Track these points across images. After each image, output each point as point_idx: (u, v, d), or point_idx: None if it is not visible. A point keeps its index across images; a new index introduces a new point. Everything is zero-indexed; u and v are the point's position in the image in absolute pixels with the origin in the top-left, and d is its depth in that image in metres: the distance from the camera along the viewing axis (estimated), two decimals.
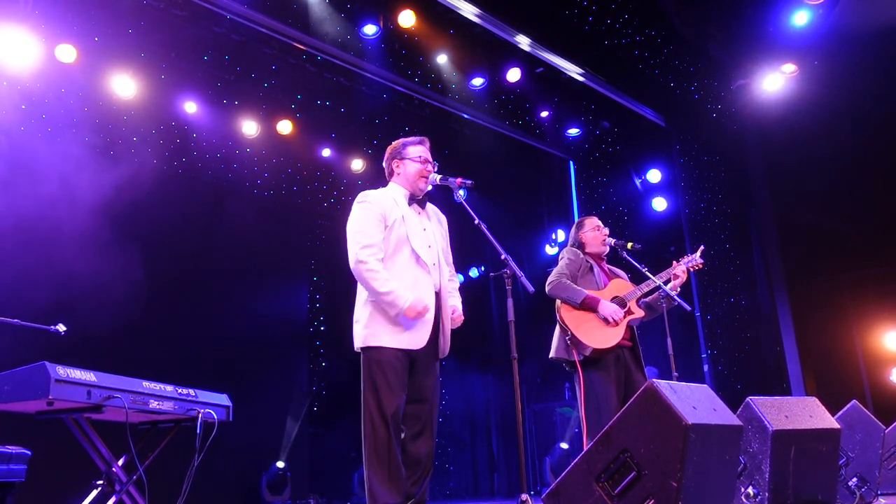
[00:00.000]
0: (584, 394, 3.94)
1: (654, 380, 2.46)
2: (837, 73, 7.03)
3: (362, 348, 3.28)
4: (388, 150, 3.59)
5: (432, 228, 3.49)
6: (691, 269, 4.24)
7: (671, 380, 3.14)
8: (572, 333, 3.98)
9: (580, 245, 4.34)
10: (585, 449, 3.65)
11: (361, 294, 3.34)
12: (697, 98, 8.02)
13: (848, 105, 6.98)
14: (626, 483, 2.37)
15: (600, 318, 3.98)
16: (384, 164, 3.61)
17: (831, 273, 7.41)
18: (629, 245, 4.43)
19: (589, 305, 3.99)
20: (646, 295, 4.18)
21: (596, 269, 4.23)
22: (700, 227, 7.94)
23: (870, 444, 4.09)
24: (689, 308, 4.27)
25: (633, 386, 3.93)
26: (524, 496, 2.92)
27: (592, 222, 4.38)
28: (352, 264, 3.28)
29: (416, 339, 3.24)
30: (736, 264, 7.66)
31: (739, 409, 3.17)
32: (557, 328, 4.14)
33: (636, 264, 4.40)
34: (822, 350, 7.32)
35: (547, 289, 4.11)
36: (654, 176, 8.78)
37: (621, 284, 4.21)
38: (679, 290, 4.14)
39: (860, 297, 7.30)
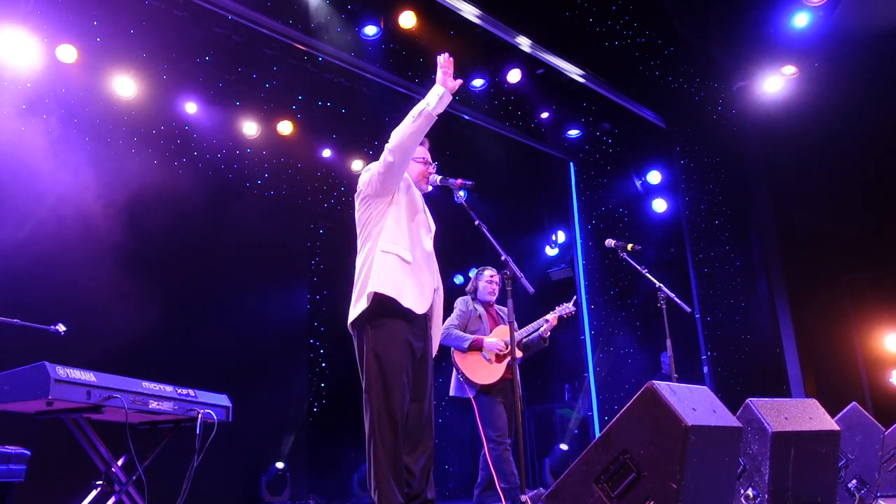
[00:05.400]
0: (480, 417, 4.59)
1: (654, 381, 2.46)
2: (838, 75, 7.02)
3: None
4: None
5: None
6: (563, 316, 4.85)
7: (670, 381, 3.14)
8: (463, 373, 4.66)
9: (475, 290, 4.97)
10: (490, 459, 4.37)
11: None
12: (698, 100, 8.01)
13: (848, 107, 6.97)
14: (625, 484, 2.37)
15: (485, 360, 4.65)
16: None
17: (831, 275, 7.39)
18: (629, 246, 4.49)
19: (475, 346, 4.68)
20: (525, 338, 4.82)
21: (485, 316, 4.88)
22: (700, 229, 7.94)
23: (869, 446, 4.09)
24: (688, 309, 4.30)
25: (514, 409, 4.43)
26: (524, 497, 2.92)
27: (489, 274, 4.96)
28: (384, 157, 3.13)
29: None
30: (736, 266, 7.65)
31: (739, 411, 3.17)
32: (454, 370, 4.77)
33: (636, 266, 4.41)
34: (822, 352, 7.31)
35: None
36: (654, 177, 8.78)
37: (503, 331, 4.80)
38: (549, 333, 4.80)
39: (860, 298, 7.29)
